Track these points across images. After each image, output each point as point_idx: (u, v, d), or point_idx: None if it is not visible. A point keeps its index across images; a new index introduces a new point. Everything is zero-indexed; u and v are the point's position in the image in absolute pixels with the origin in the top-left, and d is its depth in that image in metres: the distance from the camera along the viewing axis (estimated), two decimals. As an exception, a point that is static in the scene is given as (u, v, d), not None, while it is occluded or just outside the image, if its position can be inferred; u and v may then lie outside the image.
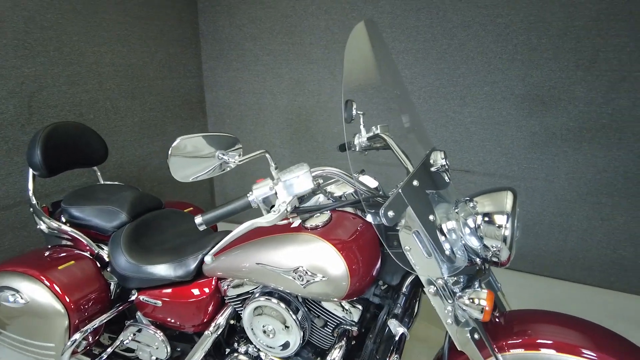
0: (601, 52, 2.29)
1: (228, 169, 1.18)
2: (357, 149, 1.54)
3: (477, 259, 1.10)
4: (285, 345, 1.28)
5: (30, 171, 1.68)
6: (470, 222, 1.06)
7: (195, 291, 1.45)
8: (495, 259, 1.06)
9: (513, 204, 1.05)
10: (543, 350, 1.01)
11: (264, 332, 1.30)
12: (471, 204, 1.08)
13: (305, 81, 3.05)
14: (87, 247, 1.62)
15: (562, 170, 2.50)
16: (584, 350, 0.99)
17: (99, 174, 1.97)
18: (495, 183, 2.68)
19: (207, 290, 1.44)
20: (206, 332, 1.43)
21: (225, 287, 1.43)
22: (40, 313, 1.43)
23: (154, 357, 1.54)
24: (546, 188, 2.56)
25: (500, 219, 1.04)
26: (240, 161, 1.18)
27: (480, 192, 1.14)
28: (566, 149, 2.46)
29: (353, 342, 1.29)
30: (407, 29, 2.67)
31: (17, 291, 1.44)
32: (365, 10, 2.74)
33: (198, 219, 1.00)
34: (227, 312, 1.43)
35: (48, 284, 1.42)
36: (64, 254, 1.55)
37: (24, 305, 1.44)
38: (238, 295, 1.41)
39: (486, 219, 1.05)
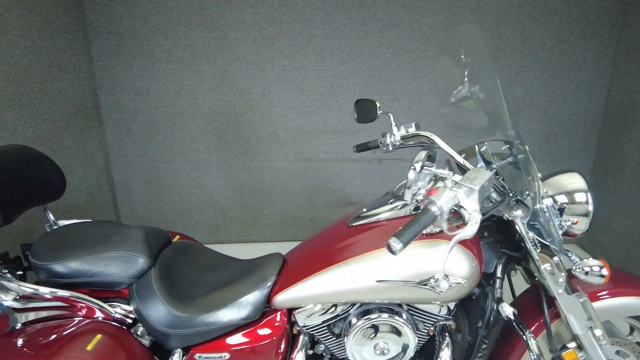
0: (502, 51, 2.77)
1: None
2: (390, 148, 1.54)
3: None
4: (398, 357, 1.25)
5: None
6: (548, 202, 1.22)
7: (267, 330, 1.28)
8: (577, 232, 1.25)
9: (586, 181, 1.25)
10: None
11: (375, 350, 1.23)
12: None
13: (232, 79, 2.82)
14: (94, 311, 1.23)
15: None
16: None
17: (49, 212, 1.49)
18: (426, 167, 2.98)
19: (279, 325, 1.28)
20: (286, 372, 1.27)
21: (303, 317, 1.29)
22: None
23: None
24: (467, 167, 2.98)
25: (581, 196, 1.22)
26: None
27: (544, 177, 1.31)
28: (457, 135, 2.91)
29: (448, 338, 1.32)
30: (340, 27, 2.72)
31: None
32: (296, 6, 2.68)
33: (396, 244, 0.88)
34: (303, 344, 1.30)
35: None
36: (75, 327, 1.15)
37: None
38: (323, 322, 1.29)
39: (568, 197, 1.23)
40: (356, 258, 1.18)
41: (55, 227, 1.50)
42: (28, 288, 1.19)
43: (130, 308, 1.27)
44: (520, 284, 1.43)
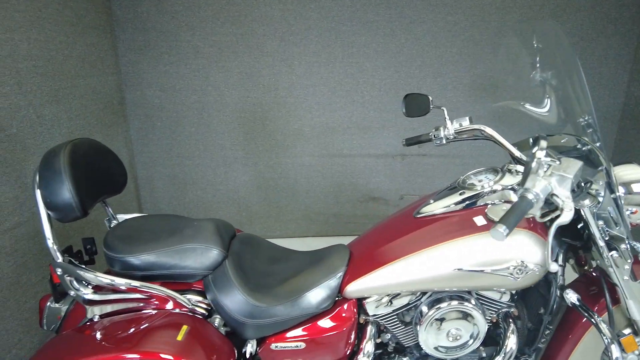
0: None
1: None
2: (444, 142, 1.57)
3: None
4: (466, 344, 1.28)
5: (45, 216, 1.18)
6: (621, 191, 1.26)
7: (338, 319, 1.30)
8: (637, 221, 1.29)
9: None
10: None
11: (448, 337, 1.26)
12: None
13: (259, 75, 2.83)
14: (169, 302, 1.24)
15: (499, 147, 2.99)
16: None
17: (108, 206, 1.50)
18: (449, 164, 3.03)
19: (349, 315, 1.30)
20: (360, 360, 1.30)
21: (374, 307, 1.31)
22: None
23: None
24: (489, 162, 3.03)
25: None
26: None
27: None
28: (504, 128, 2.95)
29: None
30: (367, 23, 2.75)
31: None
32: (324, 2, 2.70)
33: (503, 229, 0.91)
34: (372, 333, 1.32)
35: None
36: (158, 319, 1.16)
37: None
38: (393, 311, 1.31)
39: (626, 188, 1.28)
40: (433, 248, 1.21)
41: (115, 221, 1.51)
42: (105, 279, 1.20)
43: (203, 299, 1.28)
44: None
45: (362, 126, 2.94)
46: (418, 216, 1.34)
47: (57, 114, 2.16)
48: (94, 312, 1.23)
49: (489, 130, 1.54)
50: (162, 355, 1.03)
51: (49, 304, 1.36)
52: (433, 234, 1.25)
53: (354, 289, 1.27)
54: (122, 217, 1.52)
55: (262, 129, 2.94)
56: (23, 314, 1.90)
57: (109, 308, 1.25)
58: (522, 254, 1.15)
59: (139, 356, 1.04)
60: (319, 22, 2.74)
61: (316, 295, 1.26)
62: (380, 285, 1.25)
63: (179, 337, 1.07)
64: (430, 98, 1.58)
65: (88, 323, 1.21)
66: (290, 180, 3.06)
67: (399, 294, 1.29)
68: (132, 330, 1.11)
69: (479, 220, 1.22)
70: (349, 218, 3.17)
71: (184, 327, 1.11)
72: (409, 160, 3.02)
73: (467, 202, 1.29)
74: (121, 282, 1.20)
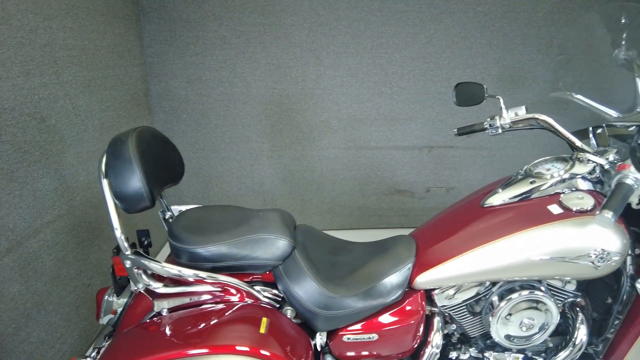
0: (555, 39, 2.80)
1: None
2: (499, 131, 1.55)
3: None
4: (537, 333, 1.27)
5: (112, 206, 1.15)
6: None
7: (408, 311, 1.28)
8: None
9: None
10: None
11: (521, 326, 1.25)
12: None
13: (286, 66, 2.79)
14: (240, 294, 1.21)
15: (528, 139, 2.98)
16: None
17: (163, 198, 1.46)
18: (476, 156, 3.02)
19: (418, 306, 1.29)
20: (429, 352, 1.28)
21: (443, 298, 1.30)
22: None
23: None
24: (516, 154, 3.02)
25: None
26: None
27: None
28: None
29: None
30: (397, 14, 2.71)
31: None
32: (354, -8, 2.66)
33: (610, 215, 0.89)
34: (440, 324, 1.31)
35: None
36: (235, 311, 1.13)
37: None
38: (463, 302, 1.30)
39: None
40: (509, 237, 1.19)
41: (169, 212, 1.47)
42: (172, 270, 1.17)
43: (272, 290, 1.25)
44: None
45: (390, 118, 2.92)
46: (486, 206, 1.33)
47: (90, 105, 2.12)
48: (162, 306, 1.20)
49: (548, 120, 1.52)
50: (246, 349, 1.00)
51: (106, 297, 1.32)
52: (507, 224, 1.23)
53: (424, 279, 1.26)
54: (175, 208, 1.49)
55: (289, 121, 2.90)
56: (64, 308, 1.86)
57: (174, 302, 1.22)
58: (603, 242, 1.14)
59: (221, 351, 1.01)
60: (348, 12, 2.70)
61: (387, 286, 1.24)
62: (453, 275, 1.23)
63: (262, 330, 1.05)
64: (485, 87, 1.55)
65: (157, 317, 1.17)
66: (315, 173, 3.03)
67: (471, 284, 1.27)
68: (210, 323, 1.08)
69: (554, 209, 1.20)
70: (374, 211, 3.15)
71: (264, 320, 1.09)
72: (436, 152, 3.00)
73: (538, 192, 1.28)
74: (189, 273, 1.16)
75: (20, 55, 1.64)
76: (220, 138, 2.92)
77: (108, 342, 1.30)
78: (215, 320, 1.08)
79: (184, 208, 1.49)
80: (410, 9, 2.71)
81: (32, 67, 1.71)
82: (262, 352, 1.00)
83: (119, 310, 1.31)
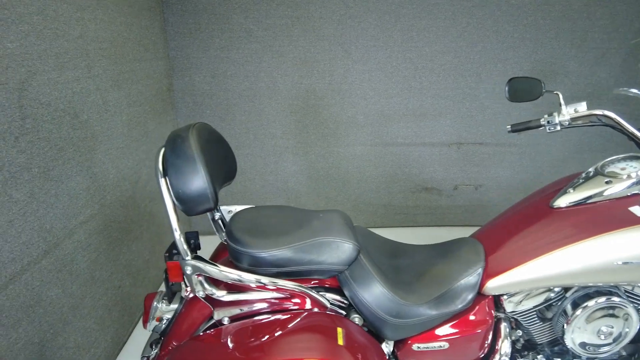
0: (589, 32, 2.72)
1: None
2: (558, 128, 1.47)
3: None
4: (615, 342, 1.21)
5: (172, 208, 1.08)
6: None
7: (477, 317, 1.22)
8: None
9: None
10: None
11: (599, 334, 1.19)
12: None
13: (314, 60, 2.71)
14: (302, 301, 1.14)
15: (558, 135, 2.92)
16: None
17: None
18: (505, 152, 2.95)
19: (488, 312, 1.22)
20: None
21: (514, 303, 1.23)
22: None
23: None
24: (546, 151, 2.96)
25: None
26: None
27: None
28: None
29: None
30: (428, 6, 2.63)
31: None
32: (384, -16, 2.58)
33: None
34: (507, 331, 1.25)
35: None
36: (305, 320, 1.06)
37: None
38: (533, 307, 1.24)
39: None
40: (589, 240, 1.13)
41: (218, 212, 1.40)
42: (232, 274, 1.10)
43: (336, 296, 1.19)
44: None
45: (418, 113, 2.85)
46: (555, 207, 1.26)
47: (119, 99, 2.04)
48: (222, 315, 1.13)
49: (613, 116, 1.45)
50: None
51: (155, 303, 1.25)
52: (584, 226, 1.16)
53: (495, 285, 1.19)
54: (224, 208, 1.42)
55: (315, 116, 2.83)
56: (98, 312, 1.79)
57: (232, 311, 1.15)
58: None
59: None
60: (378, 5, 2.62)
61: (459, 292, 1.18)
62: (525, 280, 1.17)
63: (340, 341, 0.98)
64: (543, 82, 1.47)
65: (218, 327, 1.11)
66: (341, 170, 2.96)
67: (544, 290, 1.21)
68: (280, 333, 1.01)
69: (638, 211, 1.14)
70: (399, 209, 3.08)
71: (339, 330, 1.02)
72: (465, 149, 2.93)
73: (613, 192, 1.21)
74: (250, 278, 1.09)
75: (55, 47, 1.56)
76: (244, 134, 2.84)
77: (156, 351, 1.24)
78: (288, 330, 1.01)
79: (231, 208, 1.42)
80: (442, 2, 2.63)
81: (66, 60, 1.63)
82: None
83: (166, 317, 1.24)
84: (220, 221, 1.39)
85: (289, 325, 1.02)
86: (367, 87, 2.78)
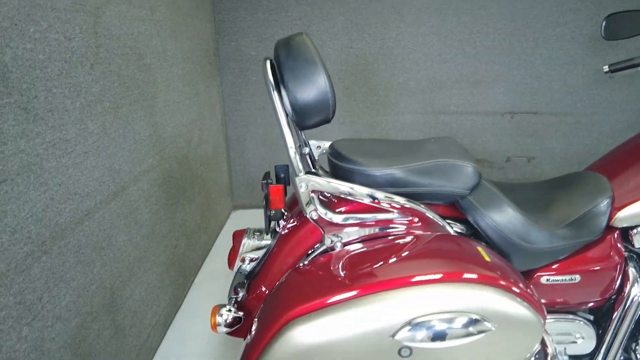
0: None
1: None
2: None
3: None
4: None
5: (285, 120, 0.97)
6: None
7: (607, 250, 1.10)
8: None
9: None
10: None
11: None
12: None
13: (365, 23, 2.60)
14: (423, 224, 1.03)
15: (617, 103, 2.78)
16: None
17: (302, 132, 1.29)
18: (560, 122, 2.82)
19: (617, 246, 1.10)
20: (629, 299, 1.10)
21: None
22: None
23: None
24: (604, 120, 2.82)
25: None
26: None
27: None
28: (621, 84, 2.74)
29: None
30: (486, -34, 2.52)
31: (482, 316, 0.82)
32: (440, -58, 2.47)
33: None
34: (636, 274, 1.12)
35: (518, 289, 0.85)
36: (434, 241, 0.95)
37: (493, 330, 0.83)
38: None
39: None
40: None
41: (307, 147, 1.29)
42: (345, 187, 0.98)
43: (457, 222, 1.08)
44: None
45: (472, 80, 2.73)
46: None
47: (175, 52, 1.95)
48: (335, 240, 1.02)
49: None
50: (474, 276, 0.82)
51: (246, 238, 1.15)
52: None
53: (627, 214, 1.08)
54: (313, 143, 1.32)
55: (364, 83, 2.72)
56: (158, 268, 1.70)
57: (347, 235, 1.04)
58: None
59: (448, 278, 0.82)
60: (433, -36, 2.51)
61: (589, 221, 1.06)
62: None
63: (488, 259, 0.86)
64: (650, 12, 1.34)
65: (332, 252, 0.99)
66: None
67: None
68: (414, 254, 0.89)
69: None
70: (448, 182, 2.96)
71: (480, 249, 0.90)
72: (518, 118, 2.81)
73: None
74: (367, 192, 0.98)
75: (123, -21, 1.47)
76: (290, 102, 2.74)
77: (243, 294, 1.13)
78: (423, 251, 0.89)
79: (319, 143, 1.31)
80: (500, -39, 2.52)
81: (131, -4, 1.54)
82: (501, 282, 0.81)
83: (248, 257, 1.13)
84: (308, 157, 1.29)
85: (422, 246, 0.91)
86: (419, 52, 2.66)
